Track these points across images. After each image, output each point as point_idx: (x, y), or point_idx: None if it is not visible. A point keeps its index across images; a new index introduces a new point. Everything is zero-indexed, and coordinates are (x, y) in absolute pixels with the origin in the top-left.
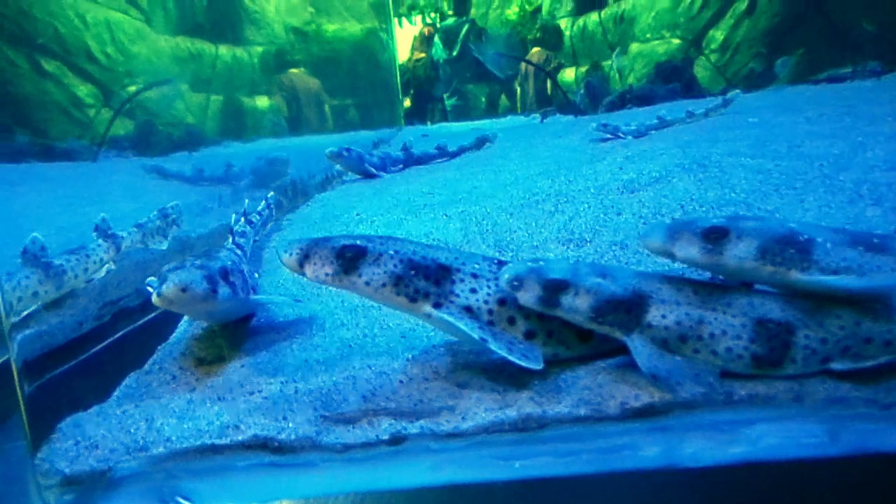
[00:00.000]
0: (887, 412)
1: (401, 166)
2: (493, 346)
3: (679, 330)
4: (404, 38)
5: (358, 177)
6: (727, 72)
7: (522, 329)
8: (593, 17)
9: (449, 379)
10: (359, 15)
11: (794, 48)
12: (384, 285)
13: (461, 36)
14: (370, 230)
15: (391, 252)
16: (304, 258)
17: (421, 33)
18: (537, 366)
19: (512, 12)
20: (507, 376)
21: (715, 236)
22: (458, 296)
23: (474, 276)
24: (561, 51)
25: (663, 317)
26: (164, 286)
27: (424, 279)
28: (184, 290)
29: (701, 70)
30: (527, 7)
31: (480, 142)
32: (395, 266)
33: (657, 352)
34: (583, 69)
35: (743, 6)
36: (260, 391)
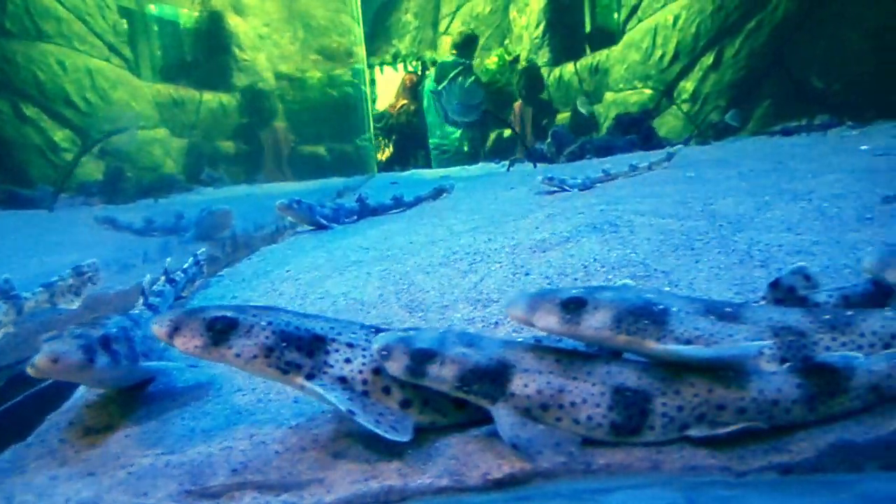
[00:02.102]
0: (741, 479)
1: (355, 217)
2: (360, 419)
3: (541, 399)
4: (387, 86)
5: (311, 228)
6: (698, 121)
7: (398, 398)
8: (569, 67)
9: (327, 448)
10: (333, 64)
11: (759, 100)
12: (255, 357)
13: (450, 74)
14: (293, 288)
15: (263, 323)
16: (174, 330)
17: (402, 81)
18: (405, 438)
19: (491, 62)
20: (384, 445)
21: (573, 307)
22: (332, 366)
23: (350, 345)
24: (544, 91)
25: (525, 386)
26: (37, 357)
27: (297, 350)
28: (55, 360)
29: (673, 119)
30: (506, 57)
31: (437, 192)
32: (266, 338)
33: (520, 421)
34: (563, 115)
35: (710, 60)
36: (132, 465)
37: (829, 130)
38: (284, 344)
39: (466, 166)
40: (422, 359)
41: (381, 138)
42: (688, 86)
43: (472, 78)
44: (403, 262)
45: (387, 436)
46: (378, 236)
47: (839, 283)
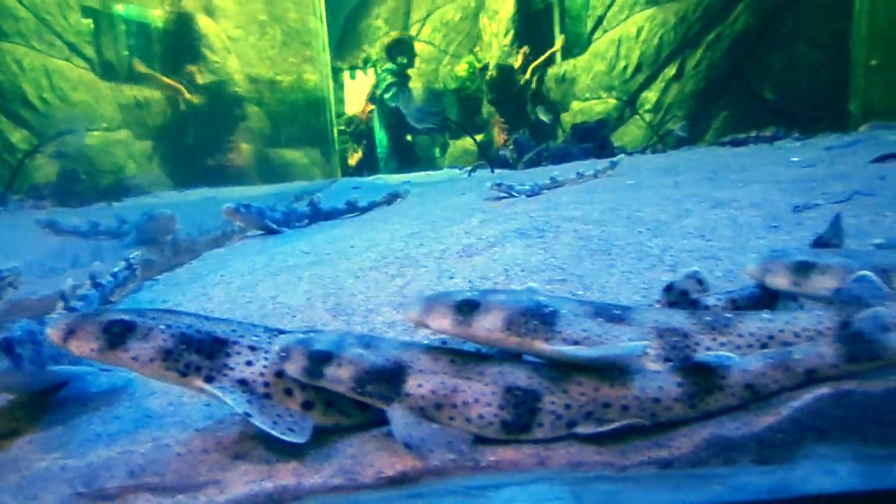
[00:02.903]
0: (623, 474)
1: (306, 221)
2: (256, 420)
3: (435, 399)
4: (359, 91)
5: (261, 232)
6: (660, 130)
7: (300, 400)
8: (537, 75)
9: (229, 450)
10: (298, 68)
11: (719, 111)
12: (153, 360)
13: (383, 83)
14: (223, 293)
15: (162, 327)
16: (69, 333)
17: (372, 87)
18: (301, 439)
19: (461, 69)
20: (286, 446)
21: (466, 309)
22: (232, 369)
23: (252, 348)
24: (516, 89)
25: (420, 386)
26: None
27: (196, 353)
28: None
29: (636, 129)
30: (476, 64)
31: (392, 197)
32: (164, 341)
33: (415, 421)
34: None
35: (672, 71)
36: (28, 468)
37: (775, 142)
38: (183, 346)
39: (430, 171)
40: (319, 360)
41: (351, 143)
42: (650, 96)
43: (391, 80)
44: (336, 266)
45: (283, 437)
46: (322, 241)
47: (739, 287)
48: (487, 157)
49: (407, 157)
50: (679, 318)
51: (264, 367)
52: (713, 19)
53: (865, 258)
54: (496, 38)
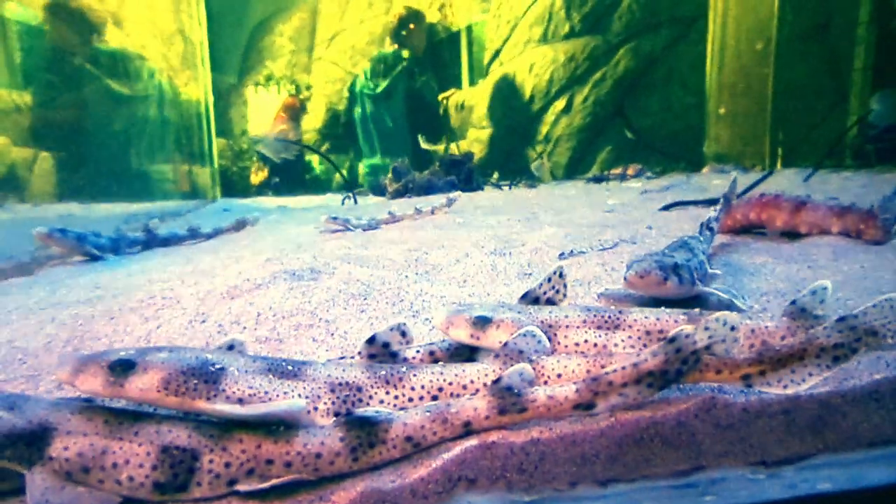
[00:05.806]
0: None
1: (139, 248)
2: None
3: (82, 462)
4: (261, 107)
5: (84, 259)
6: (550, 161)
7: None
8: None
9: None
10: (177, 82)
11: (603, 145)
12: None
13: (395, 71)
14: None
15: None
16: None
17: (283, 105)
18: None
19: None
20: None
21: (120, 369)
22: None
23: None
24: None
25: (66, 448)
26: None
27: None
28: None
29: (527, 159)
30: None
31: (240, 224)
32: None
33: (57, 485)
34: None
35: (562, 105)
36: None
37: (629, 180)
38: None
39: (313, 196)
40: None
41: (258, 161)
42: (542, 128)
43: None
44: (101, 305)
45: None
46: (127, 273)
47: (441, 339)
48: (350, 185)
49: (295, 179)
50: (354, 373)
51: None
52: (598, 60)
53: (537, 313)
54: None
